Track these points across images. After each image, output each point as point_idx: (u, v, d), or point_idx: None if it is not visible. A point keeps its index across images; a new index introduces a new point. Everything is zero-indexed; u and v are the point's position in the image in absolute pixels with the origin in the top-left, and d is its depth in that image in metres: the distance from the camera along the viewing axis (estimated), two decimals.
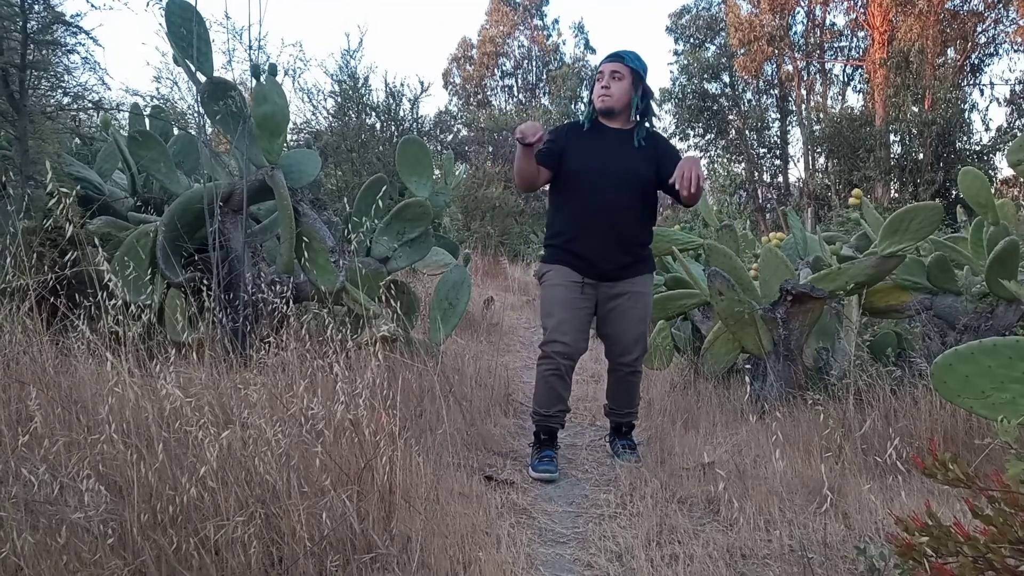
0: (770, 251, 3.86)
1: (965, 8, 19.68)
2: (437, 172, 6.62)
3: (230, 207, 3.43)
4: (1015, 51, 19.77)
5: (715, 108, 23.39)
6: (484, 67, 29.83)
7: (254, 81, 3.49)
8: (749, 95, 24.07)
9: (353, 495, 1.85)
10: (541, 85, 29.74)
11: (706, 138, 24.04)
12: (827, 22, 22.69)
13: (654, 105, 3.09)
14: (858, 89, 22.65)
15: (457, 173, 8.38)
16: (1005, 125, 18.65)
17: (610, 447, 3.23)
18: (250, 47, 3.95)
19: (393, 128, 9.15)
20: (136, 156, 3.77)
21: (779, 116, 23.43)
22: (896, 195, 18.34)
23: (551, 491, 2.73)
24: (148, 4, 3.47)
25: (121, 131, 4.46)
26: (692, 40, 24.15)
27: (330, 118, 8.99)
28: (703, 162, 24.43)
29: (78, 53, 3.44)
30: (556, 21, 32.82)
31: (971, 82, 20.24)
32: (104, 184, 3.97)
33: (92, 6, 3.38)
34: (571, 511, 2.52)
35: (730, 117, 23.65)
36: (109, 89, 8.90)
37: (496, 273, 11.27)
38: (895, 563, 1.57)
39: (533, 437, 3.05)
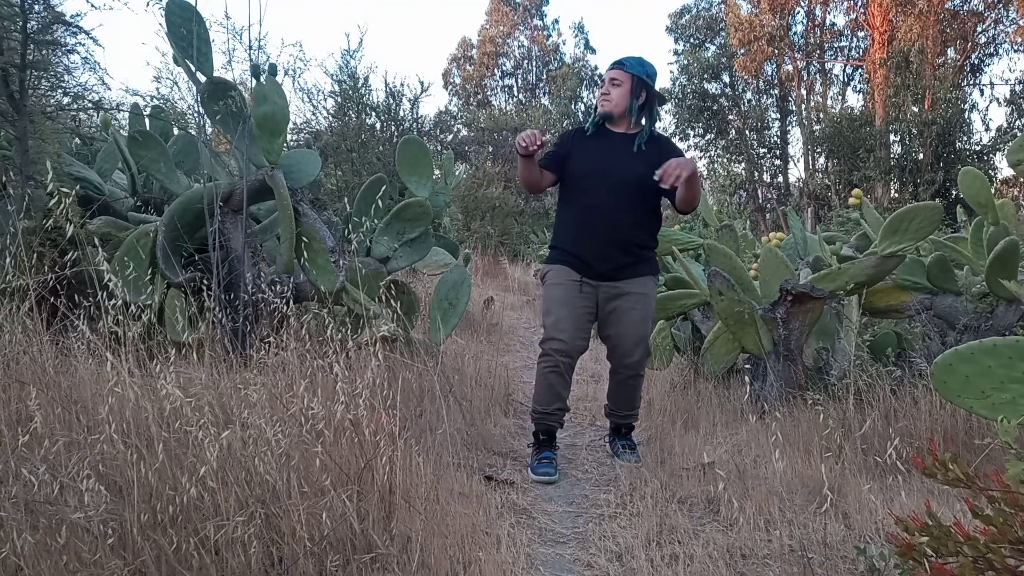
0: (770, 251, 3.86)
1: (965, 8, 19.69)
2: (437, 172, 6.63)
3: (230, 207, 3.43)
4: (1015, 51, 19.80)
5: (715, 108, 23.40)
6: (484, 67, 29.82)
7: (254, 81, 3.49)
8: (749, 95, 24.08)
9: (353, 495, 1.85)
10: (541, 85, 29.74)
11: (706, 138, 24.05)
12: (827, 22, 22.73)
13: (660, 109, 3.09)
14: (858, 89, 22.68)
15: (457, 173, 8.38)
16: (1005, 125, 18.67)
17: (610, 447, 3.23)
18: (250, 47, 3.95)
19: (393, 128, 9.16)
20: (136, 156, 3.77)
21: (779, 116, 23.44)
22: (896, 195, 18.34)
23: (551, 491, 2.73)
24: (148, 4, 3.47)
25: (121, 131, 4.46)
26: (692, 40, 24.16)
27: (330, 118, 8.99)
28: (702, 162, 24.44)
29: (78, 53, 3.44)
30: (556, 21, 32.84)
31: (971, 82, 20.25)
32: (104, 184, 3.97)
33: (92, 6, 3.38)
34: (571, 511, 2.52)
35: (730, 117, 23.66)
36: (109, 89, 8.91)
37: (496, 273, 11.27)
38: (895, 563, 1.57)
39: (532, 437, 3.05)
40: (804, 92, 23.02)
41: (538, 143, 2.76)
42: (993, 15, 19.69)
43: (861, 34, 21.91)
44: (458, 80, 30.10)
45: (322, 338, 2.29)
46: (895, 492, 2.31)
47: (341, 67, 8.98)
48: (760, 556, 2.06)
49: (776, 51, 21.86)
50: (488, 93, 30.12)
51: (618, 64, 2.99)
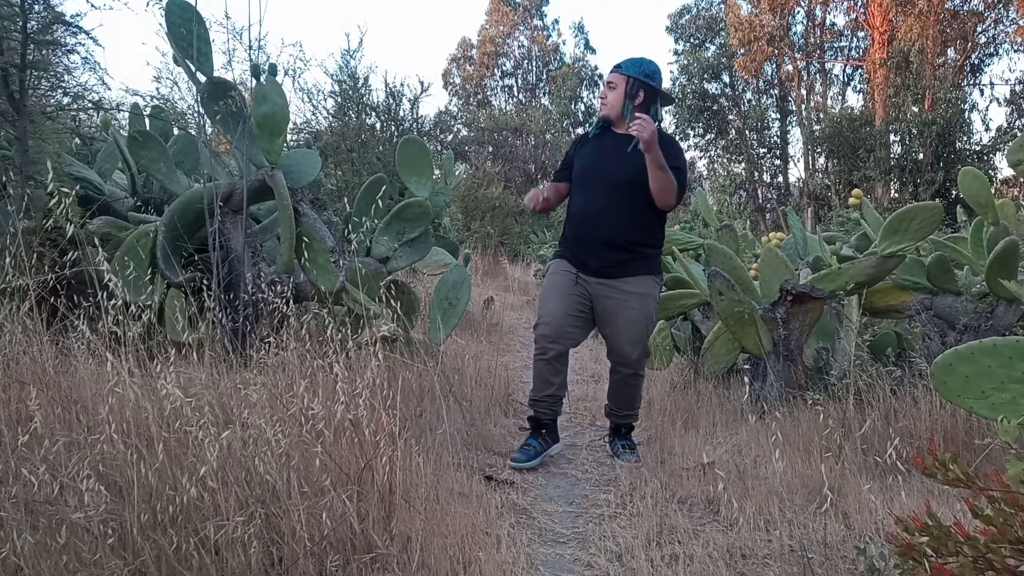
0: (770, 251, 3.85)
1: (965, 8, 19.69)
2: (437, 172, 6.63)
3: (230, 207, 3.43)
4: (1015, 51, 19.80)
5: (715, 108, 23.40)
6: (484, 67, 29.82)
7: (254, 81, 3.49)
8: (749, 95, 24.08)
9: (353, 495, 1.85)
10: (541, 85, 29.74)
11: (706, 138, 24.06)
12: (827, 22, 22.72)
13: (659, 107, 3.07)
14: (858, 89, 22.68)
15: (457, 173, 8.38)
16: (1005, 125, 18.67)
17: (609, 447, 3.23)
18: (250, 47, 3.95)
19: (393, 128, 9.15)
20: (136, 156, 3.77)
21: (779, 116, 23.44)
22: (896, 195, 18.35)
23: (551, 491, 2.73)
24: (148, 4, 3.47)
25: (121, 131, 4.46)
26: (692, 40, 24.16)
27: (330, 118, 8.99)
28: (702, 162, 24.45)
29: (78, 53, 3.44)
30: (556, 21, 32.82)
31: (971, 82, 20.25)
32: (104, 184, 3.97)
33: (92, 6, 3.38)
34: (571, 511, 2.52)
35: (730, 117, 23.66)
36: (109, 89, 8.91)
37: (496, 273, 11.28)
38: (895, 563, 1.57)
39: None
40: (804, 92, 23.02)
41: (542, 199, 3.06)
42: (993, 15, 19.70)
43: (861, 34, 21.92)
44: (458, 80, 30.10)
45: (322, 338, 2.29)
46: (895, 492, 2.31)
47: (341, 67, 8.98)
48: (760, 556, 2.06)
49: (776, 51, 21.86)
50: (488, 93, 30.12)
51: (615, 67, 3.05)
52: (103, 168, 4.13)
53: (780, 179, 23.35)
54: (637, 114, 2.81)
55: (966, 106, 18.97)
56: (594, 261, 2.99)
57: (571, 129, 26.31)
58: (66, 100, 3.80)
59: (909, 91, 18.25)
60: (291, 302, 2.93)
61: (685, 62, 23.00)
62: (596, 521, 2.39)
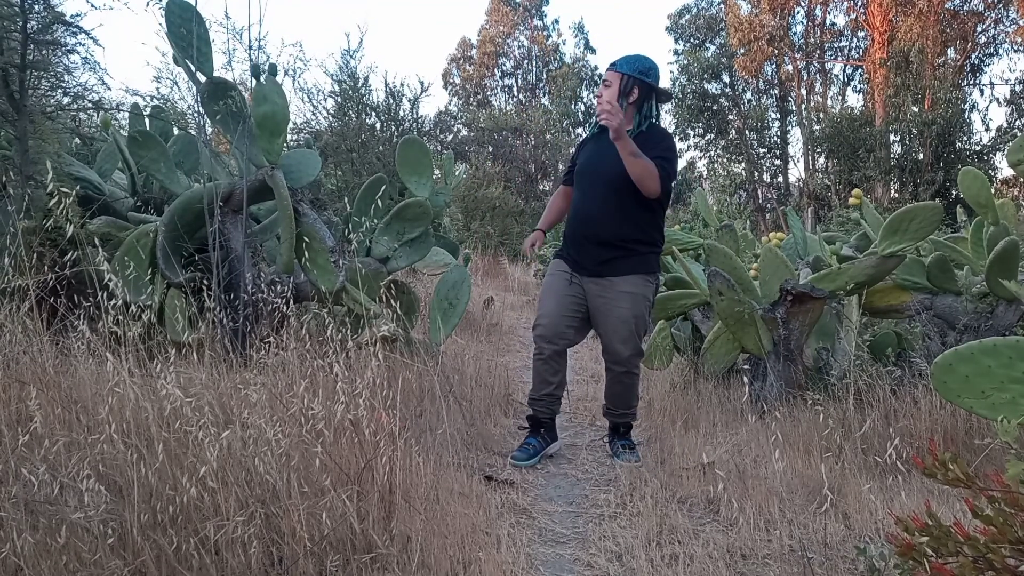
0: (770, 251, 3.85)
1: (965, 8, 19.69)
2: (437, 172, 6.62)
3: (230, 207, 3.43)
4: (1015, 51, 19.80)
5: (715, 108, 23.40)
6: (484, 67, 29.81)
7: (254, 81, 3.48)
8: (749, 95, 24.08)
9: (353, 495, 1.85)
10: (541, 85, 29.74)
11: (706, 138, 24.06)
12: (827, 22, 22.73)
13: (655, 104, 3.06)
14: (858, 89, 22.68)
15: (457, 173, 8.37)
16: (1005, 125, 18.67)
17: (609, 447, 3.23)
18: (250, 47, 3.95)
19: (393, 128, 9.15)
20: (136, 156, 3.77)
21: (779, 116, 23.44)
22: (896, 195, 18.35)
23: (551, 491, 2.73)
24: (148, 4, 3.47)
25: (121, 131, 4.45)
26: (692, 40, 24.16)
27: (330, 118, 8.99)
28: (702, 162, 24.44)
29: (78, 53, 3.44)
30: (556, 21, 32.85)
31: (971, 82, 20.25)
32: (104, 184, 3.97)
33: (92, 6, 3.38)
34: (571, 511, 2.52)
35: (730, 117, 23.66)
36: (109, 89, 8.91)
37: (496, 273, 11.28)
38: (895, 563, 1.57)
39: None
40: (804, 92, 23.02)
41: (538, 246, 3.25)
42: (993, 15, 19.70)
43: (861, 34, 21.92)
44: (458, 80, 30.09)
45: (322, 338, 2.29)
46: (895, 492, 2.31)
47: (341, 67, 8.98)
48: (760, 556, 2.06)
49: (776, 51, 21.86)
50: (488, 93, 30.11)
51: (611, 65, 3.05)
52: (103, 168, 4.13)
53: (780, 179, 23.35)
54: (603, 100, 2.81)
55: (966, 106, 18.97)
56: (587, 259, 3.02)
57: (571, 129, 26.32)
58: (66, 100, 3.80)
59: (909, 91, 18.26)
60: (291, 302, 2.93)
61: (685, 62, 23.00)
62: (596, 521, 2.39)
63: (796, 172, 22.99)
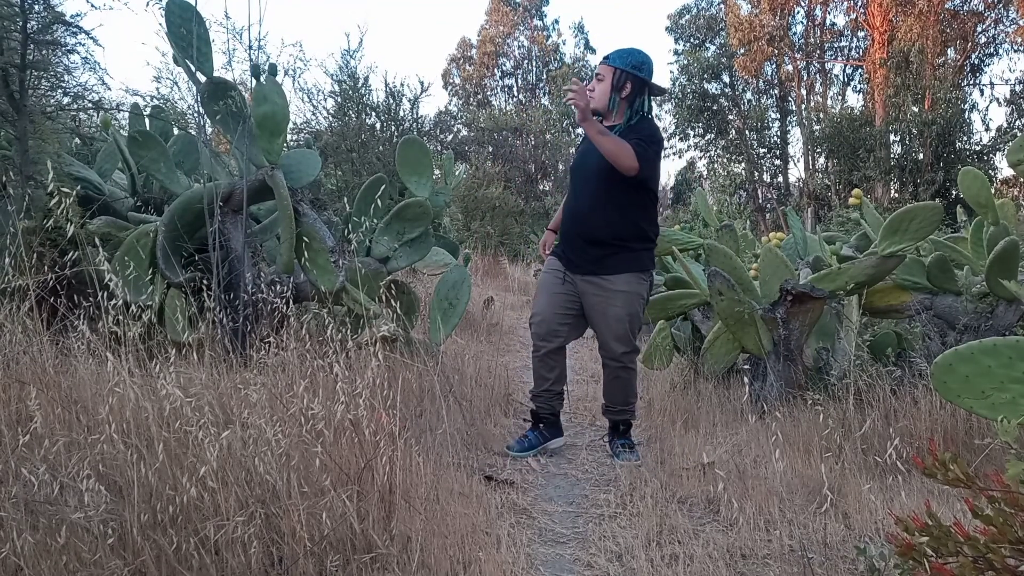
0: (770, 251, 3.85)
1: (965, 8, 19.68)
2: (437, 172, 6.62)
3: (230, 207, 3.43)
4: (1015, 51, 19.79)
5: (715, 108, 23.39)
6: (484, 67, 29.80)
7: (254, 81, 3.48)
8: (749, 95, 24.07)
9: (353, 495, 1.85)
10: (541, 85, 29.72)
11: (706, 138, 24.05)
12: (827, 22, 22.72)
13: (647, 99, 3.02)
14: (858, 89, 22.67)
15: (457, 173, 8.37)
16: (1005, 125, 18.66)
17: (609, 447, 3.23)
18: (250, 47, 3.95)
19: (393, 128, 9.15)
20: (136, 156, 3.77)
21: (779, 116, 23.44)
22: (896, 195, 18.34)
23: (551, 491, 2.73)
24: (148, 4, 3.47)
25: (121, 131, 4.45)
26: (692, 40, 24.15)
27: (330, 118, 8.99)
28: (702, 162, 24.43)
29: (78, 53, 3.44)
30: (556, 21, 32.84)
31: (971, 82, 20.24)
32: (104, 184, 3.97)
33: (92, 6, 3.38)
34: (571, 511, 2.52)
35: (730, 117, 23.65)
36: (109, 89, 8.91)
37: (496, 273, 11.27)
38: (895, 563, 1.57)
39: None
40: (804, 92, 23.01)
41: (550, 246, 3.31)
42: (993, 15, 19.69)
43: (861, 34, 21.91)
44: (458, 80, 30.08)
45: (322, 338, 2.29)
46: (895, 492, 2.31)
47: (341, 67, 8.98)
48: (760, 556, 2.06)
49: (776, 51, 21.85)
50: (488, 93, 30.09)
51: (604, 58, 3.05)
52: (103, 168, 4.13)
53: (780, 179, 23.35)
54: (572, 82, 2.79)
55: (966, 106, 18.96)
56: (580, 257, 3.03)
57: (571, 129, 26.31)
58: (66, 100, 3.80)
59: (909, 91, 18.25)
60: (291, 302, 2.93)
61: (685, 62, 22.99)
62: (596, 521, 2.39)
63: (796, 172, 23.01)
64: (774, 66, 22.91)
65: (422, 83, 10.93)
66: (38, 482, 1.66)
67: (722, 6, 23.23)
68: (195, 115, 4.96)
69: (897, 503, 2.27)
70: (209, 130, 4.20)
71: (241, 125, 3.37)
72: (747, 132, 23.05)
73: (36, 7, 3.27)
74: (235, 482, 1.76)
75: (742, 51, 21.53)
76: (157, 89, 10.14)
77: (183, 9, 3.29)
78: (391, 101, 9.35)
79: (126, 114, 4.62)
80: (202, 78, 3.37)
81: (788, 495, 2.42)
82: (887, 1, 18.95)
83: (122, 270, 3.14)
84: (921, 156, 18.22)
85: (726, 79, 23.50)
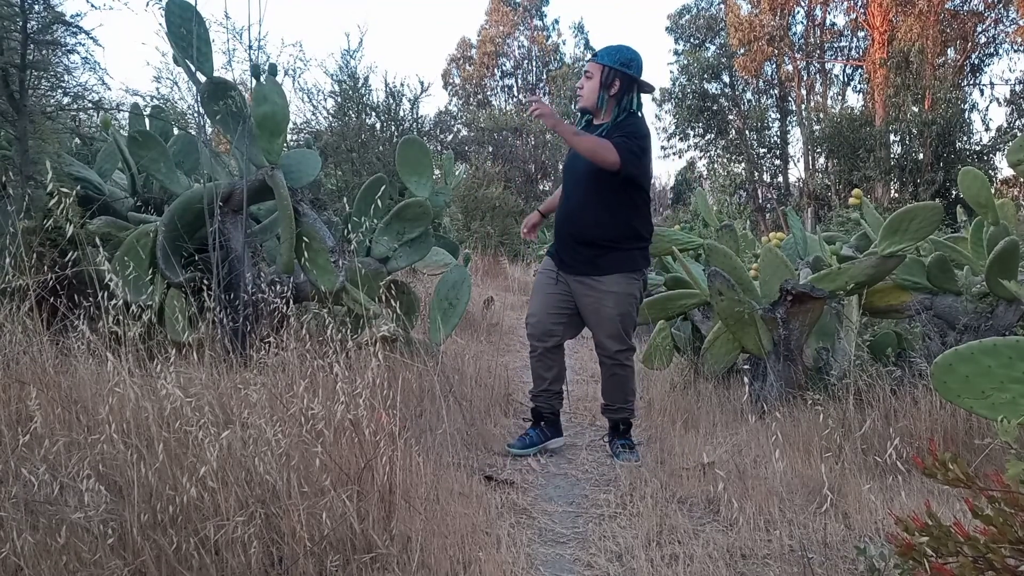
0: (770, 251, 3.85)
1: (965, 8, 19.68)
2: (437, 172, 6.62)
3: (230, 207, 3.43)
4: (1015, 51, 19.79)
5: (715, 108, 23.39)
6: (484, 67, 29.80)
7: (254, 81, 3.48)
8: (749, 95, 24.07)
9: (353, 495, 1.85)
10: (541, 85, 29.72)
11: (706, 138, 24.04)
12: (827, 22, 22.72)
13: (636, 96, 3.00)
14: (858, 89, 22.67)
15: (457, 173, 8.38)
16: (1005, 125, 18.66)
17: (609, 447, 3.23)
18: (250, 47, 3.95)
19: (393, 128, 9.15)
20: (136, 156, 3.77)
21: (779, 116, 23.43)
22: (896, 195, 18.34)
23: (551, 491, 2.73)
24: (148, 4, 3.47)
25: (121, 131, 4.45)
26: (692, 40, 24.15)
27: (330, 118, 8.98)
28: (702, 162, 24.43)
29: (78, 53, 3.44)
30: (556, 21, 32.87)
31: (971, 82, 20.24)
32: (104, 184, 3.97)
33: (92, 6, 3.38)
34: (571, 511, 2.52)
35: (730, 117, 23.65)
36: (109, 89, 8.89)
37: (496, 273, 11.27)
38: (895, 563, 1.57)
39: None
40: (804, 92, 23.01)
41: (533, 227, 3.31)
42: (993, 15, 19.69)
43: (861, 34, 21.91)
44: (458, 80, 30.09)
45: (322, 338, 2.29)
46: (895, 492, 2.31)
47: (341, 67, 8.97)
48: (760, 556, 2.06)
49: (776, 51, 21.85)
50: (488, 93, 30.10)
51: (592, 56, 3.06)
52: (103, 168, 4.13)
53: (780, 179, 23.34)
54: (532, 98, 2.82)
55: (966, 106, 18.96)
56: (572, 258, 3.04)
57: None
58: (66, 100, 3.80)
59: (909, 91, 18.25)
60: (291, 302, 2.93)
61: (685, 62, 22.99)
62: (596, 521, 2.39)
63: (796, 172, 23.01)
64: (774, 66, 22.91)
65: (422, 83, 10.92)
66: (38, 482, 1.66)
67: (722, 6, 23.23)
68: (195, 115, 4.96)
69: (897, 503, 2.27)
70: (209, 130, 4.20)
71: (241, 125, 3.36)
72: (747, 132, 23.05)
73: (36, 7, 3.27)
74: (235, 482, 1.76)
75: (742, 51, 21.53)
76: (157, 89, 10.13)
77: (183, 9, 3.29)
78: (391, 101, 9.34)
79: (126, 114, 4.62)
80: (202, 78, 3.37)
81: (788, 495, 2.42)
82: (887, 1, 18.94)
83: (122, 270, 3.14)
84: (921, 156, 18.22)
85: (726, 79, 23.50)
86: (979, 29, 19.86)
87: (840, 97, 23.23)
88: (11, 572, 1.54)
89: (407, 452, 2.09)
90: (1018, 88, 18.80)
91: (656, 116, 24.82)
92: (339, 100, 8.93)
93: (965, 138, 18.61)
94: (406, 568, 1.81)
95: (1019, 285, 3.04)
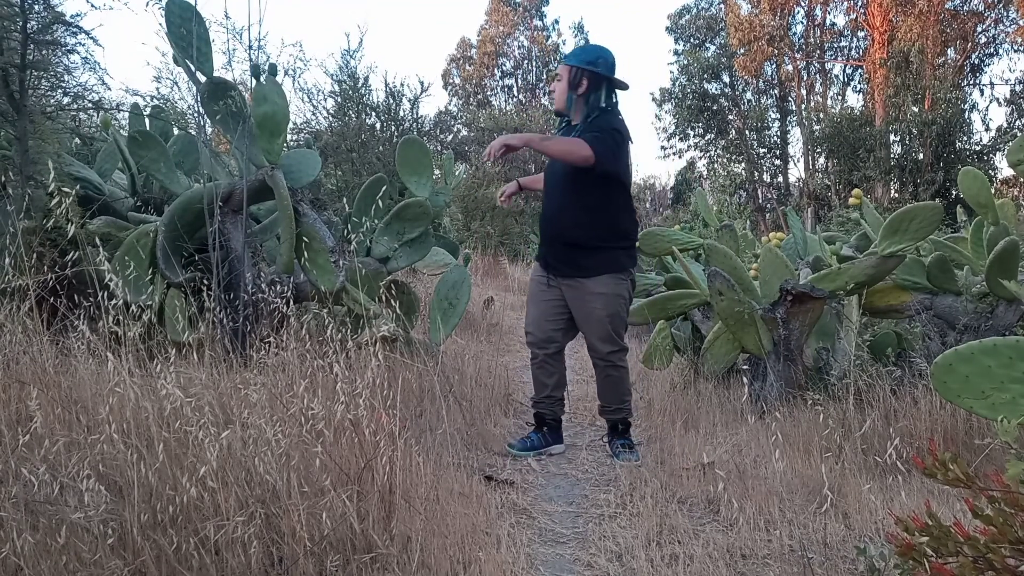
0: (770, 251, 3.85)
1: (965, 8, 19.67)
2: (437, 172, 6.62)
3: (230, 207, 3.43)
4: (1015, 51, 19.78)
5: (715, 108, 23.38)
6: (484, 67, 29.79)
7: (254, 81, 3.48)
8: (749, 95, 24.07)
9: (353, 495, 1.85)
10: (541, 85, 29.72)
11: (706, 138, 24.03)
12: (827, 22, 22.71)
13: (605, 93, 2.97)
14: (858, 89, 22.66)
15: (457, 173, 8.36)
16: (1005, 125, 18.65)
17: (609, 447, 3.23)
18: (250, 47, 3.96)
19: (393, 128, 9.15)
20: (136, 156, 3.77)
21: (779, 116, 23.43)
22: (896, 195, 18.33)
23: (551, 491, 2.73)
24: (148, 4, 3.47)
25: (121, 131, 4.45)
26: (692, 40, 24.15)
27: (330, 118, 8.99)
28: (702, 162, 24.41)
29: (78, 53, 3.44)
30: (556, 21, 32.85)
31: (971, 82, 20.23)
32: (104, 184, 3.96)
33: (92, 6, 3.38)
34: (571, 511, 2.52)
35: (730, 117, 23.65)
36: (109, 89, 8.90)
37: (496, 273, 11.27)
38: (895, 563, 1.57)
39: None
40: (804, 92, 23.00)
41: (510, 194, 3.29)
42: (993, 15, 19.68)
43: (861, 34, 21.90)
44: (458, 80, 30.08)
45: (322, 338, 2.29)
46: (895, 492, 2.31)
47: (341, 67, 8.98)
48: (760, 556, 2.06)
49: (776, 51, 21.84)
50: (488, 93, 30.09)
51: (561, 58, 3.09)
52: (103, 168, 4.13)
53: (780, 179, 23.33)
54: (484, 153, 2.88)
55: (966, 106, 18.95)
56: (558, 260, 3.05)
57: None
58: (66, 100, 3.80)
59: (909, 91, 18.24)
60: (291, 302, 2.93)
61: (685, 62, 22.99)
62: (596, 521, 2.39)
63: (796, 172, 23.00)
64: (774, 66, 22.90)
65: (422, 83, 10.92)
66: (38, 482, 1.66)
67: (722, 6, 23.22)
68: (195, 115, 4.96)
69: (897, 503, 2.27)
70: (209, 130, 4.20)
71: (241, 125, 3.36)
72: (747, 132, 23.05)
73: (36, 7, 3.27)
74: (235, 482, 1.76)
75: (742, 51, 21.52)
76: (157, 89, 10.12)
77: (183, 9, 3.29)
78: (391, 101, 9.34)
79: (126, 114, 4.62)
80: (202, 78, 3.37)
81: (788, 495, 2.42)
82: (887, 1, 18.94)
83: (122, 270, 3.14)
84: (921, 156, 18.21)
85: (726, 79, 23.49)
86: (979, 29, 19.86)
87: (840, 97, 23.24)
88: (11, 572, 1.54)
89: (407, 452, 2.09)
90: (1018, 88, 18.80)
91: (656, 116, 24.87)
92: (339, 100, 8.94)
93: (965, 138, 18.61)
94: (406, 568, 1.81)
95: (1019, 285, 3.04)
